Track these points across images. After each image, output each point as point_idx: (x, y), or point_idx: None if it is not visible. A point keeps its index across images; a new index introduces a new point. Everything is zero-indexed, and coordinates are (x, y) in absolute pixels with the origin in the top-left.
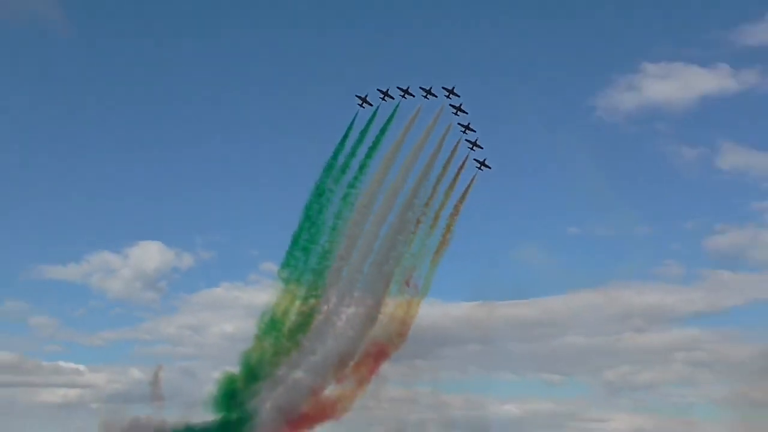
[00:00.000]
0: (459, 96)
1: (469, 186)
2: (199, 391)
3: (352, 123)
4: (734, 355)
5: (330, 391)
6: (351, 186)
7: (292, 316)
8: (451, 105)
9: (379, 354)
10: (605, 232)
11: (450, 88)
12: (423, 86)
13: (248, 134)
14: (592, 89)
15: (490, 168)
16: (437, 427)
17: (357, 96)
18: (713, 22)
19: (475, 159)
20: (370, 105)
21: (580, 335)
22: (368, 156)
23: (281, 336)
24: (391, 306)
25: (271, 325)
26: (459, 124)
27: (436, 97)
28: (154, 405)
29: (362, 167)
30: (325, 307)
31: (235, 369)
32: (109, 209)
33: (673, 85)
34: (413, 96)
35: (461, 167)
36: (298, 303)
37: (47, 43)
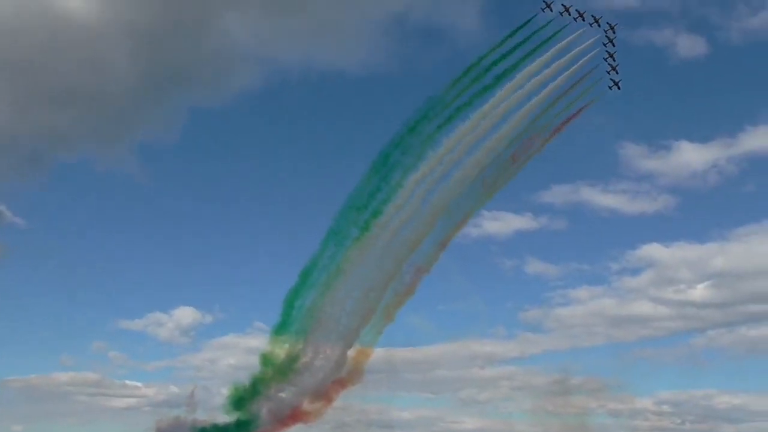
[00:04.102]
0: (615, 33)
1: (583, 107)
2: (213, 401)
3: (527, 22)
4: (535, 383)
5: (306, 405)
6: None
7: (281, 359)
8: (606, 37)
9: (342, 385)
10: (460, 308)
11: (613, 24)
12: (594, 15)
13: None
14: None
15: (619, 89)
16: (362, 426)
17: (544, 0)
18: (522, 189)
19: (611, 79)
20: (551, 11)
21: (445, 370)
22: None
23: (274, 369)
24: (352, 352)
25: (267, 361)
26: (606, 51)
27: (600, 26)
28: (188, 409)
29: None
30: (305, 358)
31: (240, 385)
32: (162, 287)
33: (500, 224)
34: (584, 20)
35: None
36: (286, 350)
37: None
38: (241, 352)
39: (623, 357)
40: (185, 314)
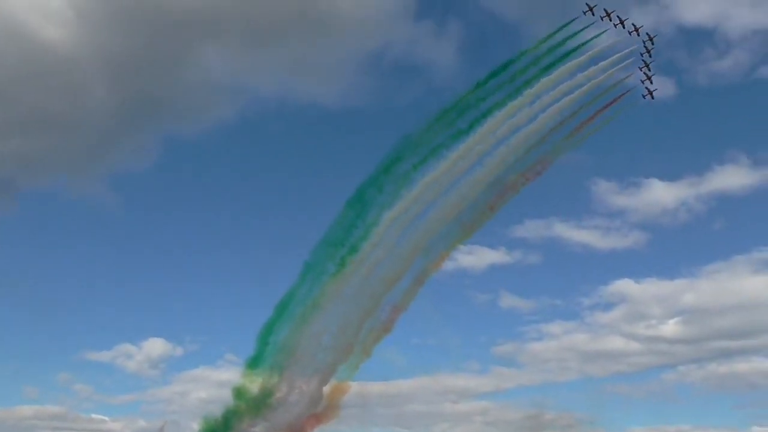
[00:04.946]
0: (653, 46)
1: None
2: None
3: (570, 22)
4: (508, 418)
5: None
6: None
7: (255, 393)
8: (645, 47)
9: (317, 421)
10: (434, 342)
11: (653, 35)
12: (635, 23)
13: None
14: None
15: (653, 99)
16: None
17: (587, 3)
18: (496, 224)
19: (646, 88)
20: (593, 14)
21: (418, 404)
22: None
23: (247, 404)
24: (328, 388)
25: (241, 395)
26: (643, 61)
27: (639, 36)
28: None
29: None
30: (280, 393)
31: (211, 419)
32: (132, 317)
33: (474, 258)
34: (624, 28)
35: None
36: (260, 384)
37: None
38: (212, 385)
39: (596, 392)
40: (155, 346)
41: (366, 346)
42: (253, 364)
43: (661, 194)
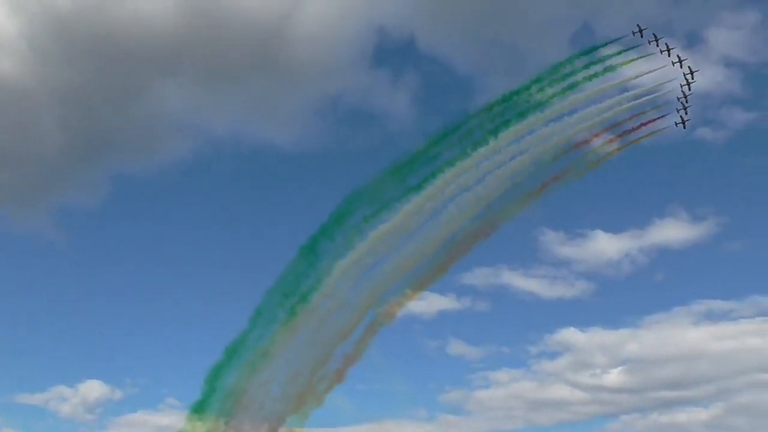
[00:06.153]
0: (694, 79)
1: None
2: None
3: (617, 39)
4: None
5: None
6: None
7: None
8: (685, 79)
9: None
10: (381, 388)
11: (695, 70)
12: (681, 55)
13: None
14: None
15: (685, 128)
16: None
17: (637, 25)
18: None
19: (680, 116)
20: (641, 36)
21: None
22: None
23: None
24: None
25: None
26: (682, 92)
27: (681, 68)
28: None
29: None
30: None
31: None
32: (68, 361)
33: (424, 304)
34: (668, 56)
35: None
36: (205, 430)
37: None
38: (152, 430)
39: None
40: (92, 388)
41: (317, 395)
42: (199, 408)
43: (605, 246)
